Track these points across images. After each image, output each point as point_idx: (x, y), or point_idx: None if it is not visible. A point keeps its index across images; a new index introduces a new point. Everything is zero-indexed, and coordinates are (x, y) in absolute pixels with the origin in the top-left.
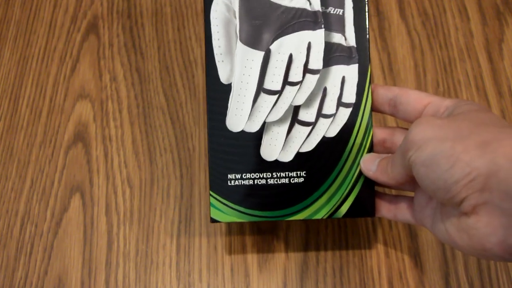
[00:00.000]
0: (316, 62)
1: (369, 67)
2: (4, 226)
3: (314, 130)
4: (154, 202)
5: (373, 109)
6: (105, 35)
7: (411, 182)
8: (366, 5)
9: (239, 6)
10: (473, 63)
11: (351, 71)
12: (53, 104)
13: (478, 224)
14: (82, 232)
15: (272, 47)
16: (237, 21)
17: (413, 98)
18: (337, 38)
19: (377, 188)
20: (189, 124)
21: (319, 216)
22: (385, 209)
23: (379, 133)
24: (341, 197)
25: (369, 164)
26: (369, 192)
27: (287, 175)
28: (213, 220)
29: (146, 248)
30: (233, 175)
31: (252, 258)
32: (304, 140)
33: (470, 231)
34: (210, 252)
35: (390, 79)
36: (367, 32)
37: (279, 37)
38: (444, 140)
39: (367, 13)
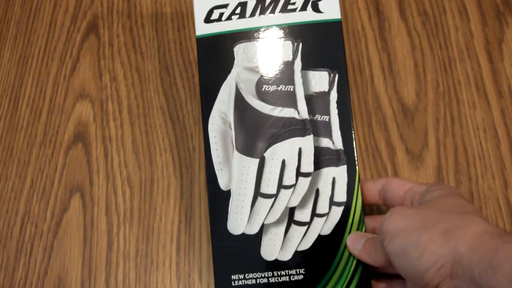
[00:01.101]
0: (308, 165)
1: (357, 167)
2: (4, 226)
3: (309, 229)
4: (154, 202)
5: (366, 202)
6: (105, 35)
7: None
8: (351, 111)
9: (234, 119)
10: (473, 63)
11: (340, 172)
12: (53, 104)
13: None
14: (82, 232)
15: (266, 154)
16: (232, 132)
17: (396, 186)
18: (325, 142)
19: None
20: (189, 124)
21: None
22: None
23: (369, 222)
24: None
25: (355, 243)
26: (366, 284)
27: (287, 273)
28: None
29: (146, 248)
30: (236, 275)
31: None
32: (301, 239)
33: None
34: (210, 252)
35: (390, 79)
36: (353, 136)
37: (272, 145)
38: (412, 231)
39: (351, 118)
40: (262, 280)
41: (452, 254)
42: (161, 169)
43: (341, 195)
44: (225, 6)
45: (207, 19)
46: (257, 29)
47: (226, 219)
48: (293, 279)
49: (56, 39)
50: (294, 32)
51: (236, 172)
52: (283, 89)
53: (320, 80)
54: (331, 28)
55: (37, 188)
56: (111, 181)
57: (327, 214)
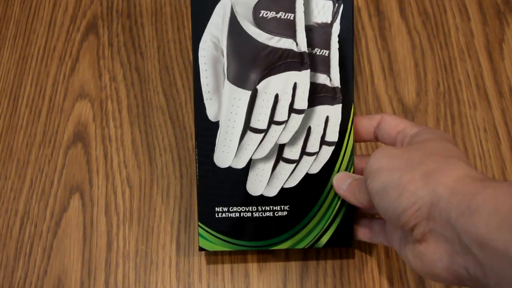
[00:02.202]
0: (302, 102)
1: (352, 107)
2: (4, 226)
3: (297, 167)
4: (154, 202)
5: (360, 139)
6: (104, 35)
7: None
8: (353, 47)
9: (227, 45)
10: (474, 63)
11: (334, 111)
12: (53, 103)
13: (427, 250)
14: (81, 232)
15: (259, 86)
16: (225, 60)
17: (390, 125)
18: (322, 78)
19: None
20: (189, 124)
21: (301, 246)
22: (361, 233)
23: (358, 162)
24: (321, 229)
25: (341, 183)
26: (348, 224)
27: (271, 209)
28: (201, 249)
29: (145, 248)
30: (220, 208)
31: (252, 258)
32: (288, 177)
33: (421, 257)
34: (210, 252)
35: (390, 79)
36: (352, 73)
37: (266, 77)
38: (394, 170)
39: (353, 55)
40: (246, 214)
41: (431, 196)
42: (161, 169)
43: (333, 135)
44: None
45: None
46: None
47: (213, 151)
48: (277, 215)
49: (55, 39)
50: None
51: (226, 103)
52: (282, 17)
53: (323, 9)
54: None
55: (37, 188)
56: (110, 181)
57: (316, 153)
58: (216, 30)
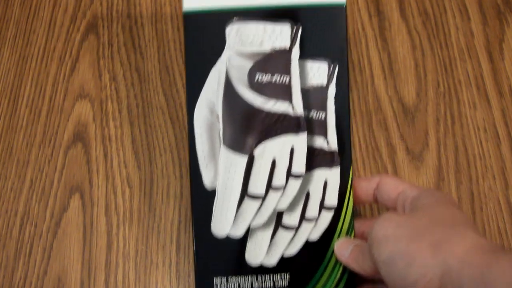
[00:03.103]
0: (299, 166)
1: (351, 169)
2: (4, 226)
3: (297, 234)
4: (154, 202)
5: (359, 202)
6: (104, 35)
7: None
8: (349, 109)
9: (222, 110)
10: (474, 63)
11: (333, 175)
12: (53, 104)
13: None
14: (81, 232)
15: (255, 151)
16: (220, 125)
17: (389, 187)
18: (319, 141)
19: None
20: None
21: None
22: None
23: (358, 226)
24: None
25: (343, 250)
26: None
27: (271, 278)
28: None
29: (145, 248)
30: (219, 278)
31: None
32: (288, 244)
33: None
34: None
35: (390, 79)
36: (349, 135)
37: (263, 142)
38: (401, 239)
39: (349, 117)
40: (245, 285)
41: (442, 267)
42: (161, 169)
43: (332, 199)
44: None
45: None
46: (253, 9)
47: (210, 219)
48: (278, 284)
49: (55, 39)
50: (293, 15)
51: (222, 169)
52: (277, 81)
53: (318, 72)
54: (334, 14)
55: (37, 188)
56: (110, 181)
57: (316, 219)
58: (211, 94)
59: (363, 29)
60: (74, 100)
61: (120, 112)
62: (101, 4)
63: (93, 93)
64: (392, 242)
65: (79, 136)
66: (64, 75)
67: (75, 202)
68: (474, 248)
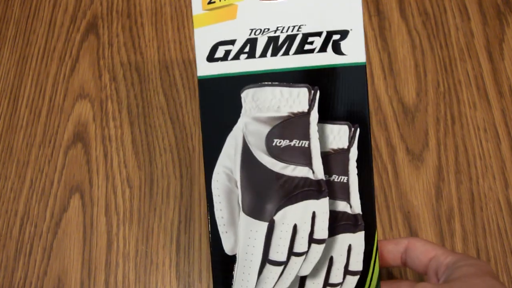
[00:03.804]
0: (321, 231)
1: (376, 234)
2: (4, 226)
3: None
4: (154, 202)
5: (386, 265)
6: (104, 35)
7: None
8: (372, 172)
9: (240, 176)
10: (474, 63)
11: (357, 239)
12: (53, 104)
13: None
14: (81, 232)
15: (276, 217)
16: (239, 191)
17: (419, 252)
18: (342, 206)
19: None
20: (189, 124)
21: None
22: None
23: None
24: None
25: None
26: None
27: None
28: None
29: (146, 248)
30: None
31: None
32: None
33: None
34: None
35: (390, 79)
36: (373, 198)
37: (283, 207)
38: None
39: (372, 179)
40: None
41: None
42: (161, 169)
43: (357, 264)
44: (232, 42)
45: (211, 57)
46: (268, 73)
47: (231, 286)
48: None
49: (55, 39)
50: (311, 77)
51: (242, 236)
52: (296, 145)
53: (339, 135)
54: (353, 74)
55: (37, 188)
56: (110, 181)
57: (340, 284)
58: (228, 161)
59: (363, 29)
60: (74, 100)
61: (120, 112)
62: (101, 4)
63: (93, 93)
64: None
65: (79, 136)
66: (64, 75)
67: (75, 202)
68: None
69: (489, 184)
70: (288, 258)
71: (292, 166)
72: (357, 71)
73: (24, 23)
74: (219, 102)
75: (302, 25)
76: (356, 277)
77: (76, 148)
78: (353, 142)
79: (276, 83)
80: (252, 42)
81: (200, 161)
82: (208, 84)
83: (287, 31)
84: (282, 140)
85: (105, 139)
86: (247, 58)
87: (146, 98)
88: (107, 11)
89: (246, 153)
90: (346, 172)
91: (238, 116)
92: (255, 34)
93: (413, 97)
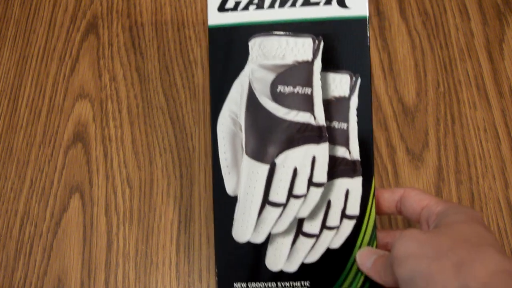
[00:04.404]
0: (321, 175)
1: (373, 179)
2: (4, 226)
3: (318, 241)
4: (154, 202)
5: (381, 213)
6: (104, 35)
7: None
8: (371, 119)
9: (245, 120)
10: (474, 63)
11: (355, 184)
12: (53, 104)
13: None
14: (81, 232)
15: (277, 160)
16: (243, 135)
17: (413, 200)
18: (341, 151)
19: None
20: (189, 124)
21: None
22: None
23: (382, 237)
24: None
25: (365, 260)
26: None
27: (291, 285)
28: None
29: (146, 249)
30: (239, 283)
31: None
32: (309, 251)
33: None
34: (210, 252)
35: (390, 79)
36: (372, 145)
37: (284, 151)
38: (422, 258)
39: (372, 127)
40: None
41: None
42: (161, 169)
43: (353, 208)
44: None
45: (221, 8)
46: (275, 23)
47: (232, 225)
48: None
49: (55, 39)
50: (315, 28)
51: (244, 177)
52: (300, 92)
53: (340, 83)
54: (356, 26)
55: (37, 188)
56: (110, 181)
57: (337, 227)
58: (234, 105)
59: None
60: (74, 100)
61: (120, 112)
62: (101, 4)
63: (93, 93)
64: (414, 261)
65: (79, 136)
66: (64, 75)
67: (75, 202)
68: (498, 272)
69: (489, 184)
70: (288, 200)
71: (294, 112)
72: (360, 24)
73: (24, 23)
74: (228, 51)
75: None
76: (353, 221)
77: (76, 148)
78: (354, 91)
79: (282, 32)
80: None
81: (200, 161)
82: (217, 33)
83: None
84: (286, 87)
85: (105, 139)
86: (256, 8)
87: (146, 98)
88: (107, 11)
89: (251, 99)
90: (346, 119)
91: (245, 64)
92: None
93: (413, 97)
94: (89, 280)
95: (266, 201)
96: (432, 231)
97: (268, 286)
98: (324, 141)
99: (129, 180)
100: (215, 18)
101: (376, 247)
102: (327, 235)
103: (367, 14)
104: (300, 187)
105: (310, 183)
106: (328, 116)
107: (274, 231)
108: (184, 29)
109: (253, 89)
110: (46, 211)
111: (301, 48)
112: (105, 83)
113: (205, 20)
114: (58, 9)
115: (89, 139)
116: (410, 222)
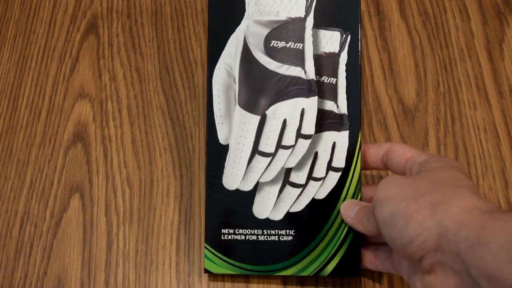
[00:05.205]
0: (309, 127)
1: (360, 133)
2: (4, 226)
3: (304, 191)
4: (154, 202)
5: (368, 167)
6: (104, 35)
7: None
8: (360, 76)
9: (239, 73)
10: (474, 63)
11: (341, 137)
12: (53, 104)
13: (436, 282)
14: (81, 232)
15: (268, 112)
16: (236, 87)
17: (398, 154)
18: (329, 105)
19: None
20: (189, 124)
21: (306, 273)
22: (367, 260)
23: (366, 192)
24: (327, 256)
25: (348, 211)
26: (355, 253)
27: (276, 233)
28: (206, 271)
29: (145, 249)
30: (226, 229)
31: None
32: (294, 201)
33: None
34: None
35: (390, 79)
36: (359, 101)
37: (275, 103)
38: (401, 200)
39: (360, 83)
40: (251, 237)
41: (438, 227)
42: (161, 169)
43: (339, 161)
44: None
45: None
46: None
47: (222, 173)
48: (282, 239)
49: (55, 39)
50: None
51: (236, 127)
52: (292, 47)
53: (331, 40)
54: None
55: (37, 188)
56: (110, 181)
57: (323, 179)
58: (229, 58)
59: (363, 29)
60: (74, 100)
61: (120, 112)
62: (101, 4)
63: (93, 93)
64: (393, 202)
65: (79, 136)
66: (64, 75)
67: (75, 202)
68: (471, 209)
69: (489, 184)
70: (276, 150)
71: (286, 66)
72: None
73: (24, 23)
74: (225, 7)
75: None
76: (338, 174)
77: (76, 148)
78: (344, 47)
79: None
80: None
81: (200, 161)
82: None
83: None
84: (279, 42)
85: (105, 139)
86: None
87: (146, 98)
88: (107, 11)
89: (246, 52)
90: (335, 75)
91: (241, 20)
92: None
93: (413, 97)
94: (89, 280)
95: (255, 150)
96: (412, 176)
97: (254, 233)
98: (313, 95)
99: (129, 180)
100: None
101: (360, 200)
102: (313, 185)
103: None
104: (289, 138)
105: (299, 134)
106: (318, 71)
107: (262, 180)
108: (184, 29)
109: (248, 43)
110: (46, 211)
111: (294, 5)
112: (105, 83)
113: (205, 21)
114: (58, 9)
115: (89, 139)
116: None
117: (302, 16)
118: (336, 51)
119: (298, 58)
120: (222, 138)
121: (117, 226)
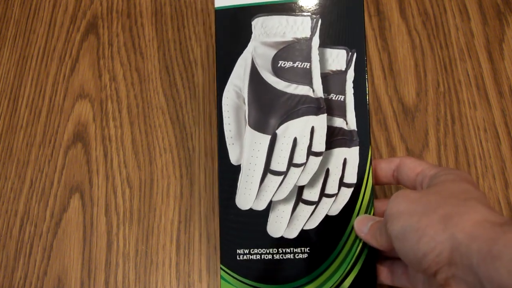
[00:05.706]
0: (319, 145)
1: (370, 149)
2: (4, 226)
3: (317, 209)
4: (154, 202)
5: (379, 182)
6: (104, 35)
7: None
8: (367, 92)
9: (248, 94)
10: (474, 63)
11: (352, 153)
12: (53, 104)
13: None
14: (81, 232)
15: (278, 131)
16: (246, 107)
17: (408, 168)
18: (338, 122)
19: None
20: (189, 124)
21: None
22: (383, 276)
23: (379, 206)
24: (343, 272)
25: (362, 226)
26: (371, 268)
27: (292, 251)
28: None
29: (146, 248)
30: (241, 250)
31: None
32: (308, 218)
33: None
34: (210, 252)
35: (390, 79)
36: (368, 116)
37: (285, 122)
38: (413, 214)
39: (367, 99)
40: (266, 256)
41: (450, 241)
42: (161, 169)
43: (351, 177)
44: None
45: None
46: (276, 3)
47: (235, 193)
48: (298, 257)
49: (55, 39)
50: (313, 7)
51: (247, 148)
52: (299, 66)
53: (337, 58)
54: (351, 3)
55: (37, 188)
56: (110, 181)
57: (336, 195)
58: (238, 80)
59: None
60: (74, 100)
61: (120, 112)
62: (101, 4)
63: (93, 93)
64: (405, 217)
65: (79, 136)
66: (64, 75)
67: (75, 202)
68: (482, 222)
69: (489, 184)
70: (288, 169)
71: (294, 85)
72: (355, 2)
73: (24, 23)
74: (232, 30)
75: None
76: (351, 189)
77: (76, 148)
78: (350, 65)
79: (283, 12)
80: None
81: (200, 161)
82: (223, 14)
83: None
84: (286, 62)
85: (105, 139)
86: None
87: (146, 98)
88: (107, 11)
89: (254, 73)
90: (343, 92)
91: (248, 42)
92: None
93: (413, 97)
94: (89, 280)
95: (267, 170)
96: (423, 190)
97: (269, 253)
98: (322, 112)
99: (129, 180)
100: (221, 1)
101: (373, 215)
102: (326, 202)
103: None
104: (300, 156)
105: (309, 152)
106: (326, 89)
107: (275, 198)
108: (184, 29)
109: (256, 64)
110: (46, 211)
111: (300, 26)
112: (105, 83)
113: (205, 21)
114: (58, 9)
115: (89, 139)
116: None
117: (308, 36)
118: (343, 68)
119: (305, 77)
120: (233, 159)
121: (117, 226)
